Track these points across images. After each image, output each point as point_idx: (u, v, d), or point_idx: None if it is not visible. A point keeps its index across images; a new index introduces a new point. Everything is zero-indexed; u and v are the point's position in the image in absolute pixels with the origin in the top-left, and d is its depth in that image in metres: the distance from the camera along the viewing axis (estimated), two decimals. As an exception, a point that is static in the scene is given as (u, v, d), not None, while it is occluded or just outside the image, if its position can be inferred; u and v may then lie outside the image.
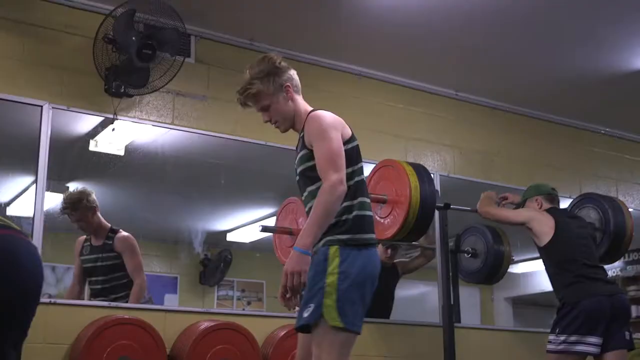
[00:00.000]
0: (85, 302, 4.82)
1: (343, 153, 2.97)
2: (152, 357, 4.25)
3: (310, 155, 3.00)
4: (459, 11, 5.04)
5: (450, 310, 4.85)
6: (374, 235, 3.04)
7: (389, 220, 4.64)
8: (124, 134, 5.11)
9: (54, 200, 5.62)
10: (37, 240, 4.42)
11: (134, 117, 4.91)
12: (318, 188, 2.93)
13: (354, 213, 2.96)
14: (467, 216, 5.81)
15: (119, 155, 5.37)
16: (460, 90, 6.28)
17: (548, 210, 4.72)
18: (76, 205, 4.89)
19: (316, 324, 2.85)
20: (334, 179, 2.86)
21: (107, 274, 4.92)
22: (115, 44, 4.64)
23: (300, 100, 3.16)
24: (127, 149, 5.36)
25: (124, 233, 4.96)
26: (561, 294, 4.47)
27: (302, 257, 2.82)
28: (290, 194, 5.15)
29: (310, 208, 2.97)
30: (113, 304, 4.58)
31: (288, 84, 3.12)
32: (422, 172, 4.73)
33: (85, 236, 5.09)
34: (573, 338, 4.32)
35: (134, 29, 4.64)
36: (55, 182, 5.50)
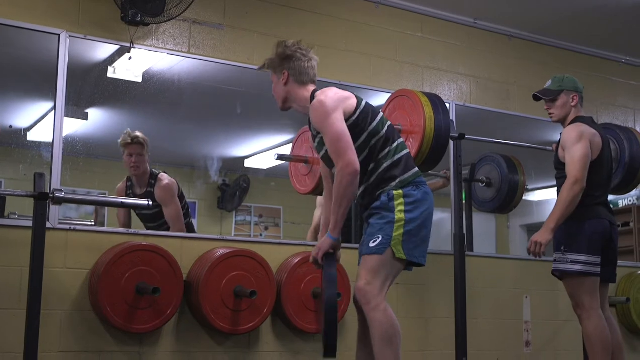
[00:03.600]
0: (104, 228, 4.92)
1: (346, 133, 3.30)
2: (169, 283, 4.35)
3: (323, 141, 3.40)
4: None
5: (462, 240, 4.91)
6: (416, 169, 3.50)
7: (403, 150, 4.65)
8: (141, 62, 5.12)
9: (73, 126, 5.69)
10: (56, 165, 4.48)
11: (151, 46, 4.92)
12: None
13: (396, 158, 3.43)
14: (482, 145, 5.83)
15: (137, 82, 5.39)
16: (479, 19, 6.19)
17: (590, 124, 4.40)
18: (141, 144, 5.13)
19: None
20: (340, 165, 3.26)
21: (157, 220, 5.09)
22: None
23: (302, 89, 3.52)
24: (144, 75, 5.38)
25: (163, 182, 5.08)
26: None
27: (328, 242, 3.36)
28: (307, 122, 5.17)
29: None
30: (131, 230, 4.68)
31: (286, 71, 3.50)
32: (437, 102, 4.74)
33: (124, 183, 5.22)
34: (594, 259, 4.20)
35: (150, -43, 4.62)
36: (74, 108, 5.57)
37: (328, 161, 3.49)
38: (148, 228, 5.13)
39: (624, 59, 7.00)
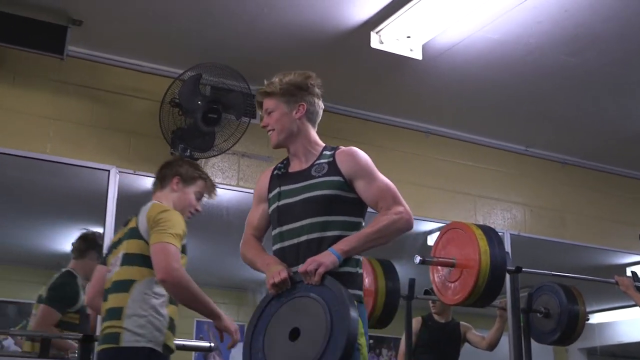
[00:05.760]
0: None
1: None
2: None
3: (341, 185, 2.78)
4: (527, 67, 4.95)
5: (522, 380, 4.67)
6: None
7: (457, 284, 4.52)
8: (189, 193, 5.11)
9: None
10: None
11: (200, 180, 4.91)
12: (331, 222, 2.74)
13: (360, 270, 2.80)
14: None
15: (186, 211, 5.38)
16: (531, 146, 6.15)
17: None
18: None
19: None
20: (401, 209, 2.76)
21: None
22: (181, 107, 4.67)
23: (311, 129, 2.95)
24: (193, 205, 5.37)
25: None
26: None
27: (332, 258, 2.64)
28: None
29: (307, 240, 2.73)
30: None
31: (303, 103, 2.91)
32: (491, 236, 4.59)
33: None
34: None
35: (199, 93, 4.67)
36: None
37: (312, 209, 2.78)
38: None
39: (679, 183, 6.83)
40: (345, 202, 2.78)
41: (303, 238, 2.74)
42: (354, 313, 2.49)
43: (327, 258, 2.63)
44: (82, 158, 4.63)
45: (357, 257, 2.76)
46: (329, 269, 2.60)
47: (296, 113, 2.90)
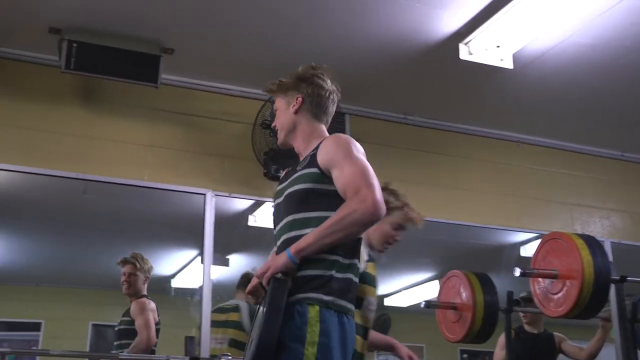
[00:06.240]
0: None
1: (375, 175, 2.44)
2: None
3: (317, 177, 2.49)
4: (620, 71, 4.84)
5: (632, 393, 4.53)
6: (353, 307, 2.51)
7: (560, 296, 4.42)
8: (282, 213, 5.16)
9: (216, 273, 5.80)
10: (205, 308, 4.57)
11: (293, 199, 4.95)
12: (308, 218, 2.45)
13: (343, 274, 2.44)
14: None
15: (277, 229, 5.43)
16: (627, 151, 6.00)
17: None
18: (131, 264, 4.82)
19: None
20: (363, 196, 2.34)
21: (120, 339, 4.84)
22: (273, 129, 4.70)
23: (313, 121, 2.72)
24: (284, 224, 5.42)
25: (139, 299, 4.81)
26: None
27: (284, 260, 2.34)
28: (449, 262, 5.05)
29: (285, 241, 2.47)
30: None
31: (301, 96, 2.69)
32: (593, 245, 4.49)
33: None
34: None
35: (290, 114, 4.70)
36: (217, 255, 5.66)
37: (290, 206, 2.52)
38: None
39: None
40: (323, 195, 2.48)
41: (282, 239, 2.50)
42: (270, 321, 2.27)
43: (278, 260, 2.36)
44: (178, 183, 4.72)
45: (334, 257, 2.42)
46: (278, 271, 2.33)
47: (293, 107, 2.71)
